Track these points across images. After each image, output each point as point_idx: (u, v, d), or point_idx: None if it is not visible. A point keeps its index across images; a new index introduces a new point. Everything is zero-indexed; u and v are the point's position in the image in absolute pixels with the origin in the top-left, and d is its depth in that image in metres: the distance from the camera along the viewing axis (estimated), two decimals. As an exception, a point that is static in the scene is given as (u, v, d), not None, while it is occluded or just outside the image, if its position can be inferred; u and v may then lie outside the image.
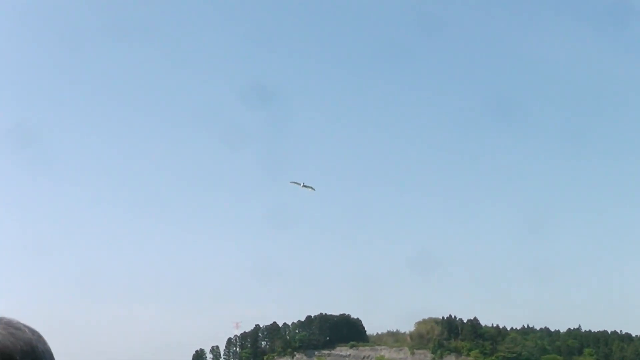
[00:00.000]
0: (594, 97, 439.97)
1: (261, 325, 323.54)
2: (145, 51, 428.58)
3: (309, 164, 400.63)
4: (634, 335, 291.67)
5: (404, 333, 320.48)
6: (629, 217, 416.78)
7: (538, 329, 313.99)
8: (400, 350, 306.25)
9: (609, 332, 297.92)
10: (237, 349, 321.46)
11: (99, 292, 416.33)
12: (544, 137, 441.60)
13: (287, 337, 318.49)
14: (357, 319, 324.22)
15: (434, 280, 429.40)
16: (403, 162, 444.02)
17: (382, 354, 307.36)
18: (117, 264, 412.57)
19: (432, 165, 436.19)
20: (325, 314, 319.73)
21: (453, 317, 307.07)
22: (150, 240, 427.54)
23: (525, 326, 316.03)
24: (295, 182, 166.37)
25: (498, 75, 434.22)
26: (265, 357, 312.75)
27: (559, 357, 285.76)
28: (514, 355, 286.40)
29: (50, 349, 3.65)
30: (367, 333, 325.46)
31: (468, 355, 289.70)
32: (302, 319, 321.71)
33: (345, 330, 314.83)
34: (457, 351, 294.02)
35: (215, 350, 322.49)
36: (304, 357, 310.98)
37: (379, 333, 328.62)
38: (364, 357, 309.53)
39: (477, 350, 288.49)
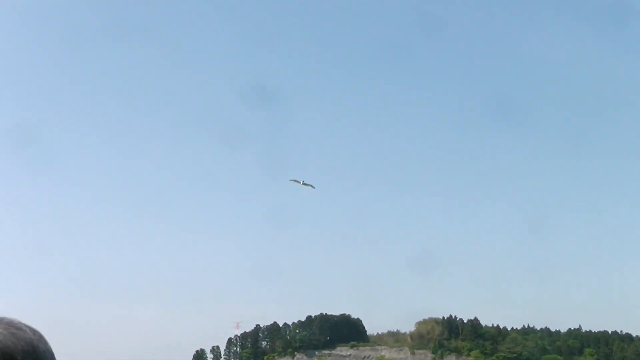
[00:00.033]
0: (594, 97, 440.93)
1: (261, 325, 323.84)
2: (145, 51, 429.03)
3: (309, 164, 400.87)
4: (634, 336, 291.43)
5: (405, 333, 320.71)
6: (629, 217, 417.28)
7: (538, 329, 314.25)
8: (401, 350, 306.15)
9: (610, 332, 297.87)
10: (238, 349, 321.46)
11: (99, 292, 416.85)
12: (544, 137, 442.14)
13: (288, 337, 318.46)
14: (358, 319, 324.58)
15: (435, 280, 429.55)
16: (403, 162, 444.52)
17: (383, 354, 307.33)
18: (117, 264, 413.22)
19: (432, 165, 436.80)
20: (326, 314, 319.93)
21: (453, 317, 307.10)
22: (150, 240, 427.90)
23: (526, 326, 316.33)
24: (295, 180, 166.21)
25: (498, 75, 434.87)
26: (265, 357, 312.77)
27: (559, 357, 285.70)
28: (515, 355, 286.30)
29: (51, 349, 3.66)
30: (368, 333, 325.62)
31: (468, 355, 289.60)
32: (303, 319, 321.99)
33: (346, 330, 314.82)
34: (458, 351, 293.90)
35: (215, 350, 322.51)
36: (305, 357, 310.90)
37: (380, 333, 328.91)
38: (364, 357, 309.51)
39: (477, 351, 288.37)
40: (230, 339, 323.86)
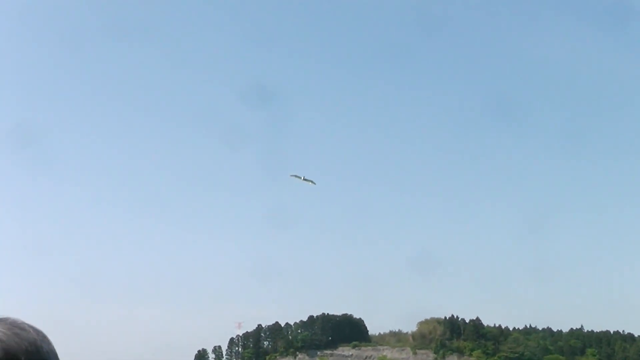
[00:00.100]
0: (594, 97, 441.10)
1: (263, 325, 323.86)
2: (145, 51, 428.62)
3: (309, 164, 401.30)
4: (636, 336, 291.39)
5: (406, 333, 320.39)
6: (629, 217, 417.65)
7: (540, 329, 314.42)
8: (403, 350, 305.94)
9: (612, 332, 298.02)
10: (240, 349, 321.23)
11: (99, 292, 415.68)
12: (544, 137, 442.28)
13: (290, 337, 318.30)
14: (360, 319, 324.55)
15: (436, 280, 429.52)
16: (403, 162, 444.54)
17: (385, 354, 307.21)
18: (117, 264, 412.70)
19: (432, 165, 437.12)
20: (328, 314, 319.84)
21: (455, 317, 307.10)
22: (150, 241, 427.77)
23: (528, 326, 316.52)
24: (296, 176, 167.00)
25: (498, 75, 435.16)
26: (267, 357, 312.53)
27: (561, 357, 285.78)
28: (517, 355, 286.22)
29: (54, 350, 3.65)
30: (370, 333, 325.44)
31: (470, 355, 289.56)
32: (305, 319, 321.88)
33: (348, 330, 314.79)
34: (460, 351, 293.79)
35: (217, 350, 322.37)
36: (306, 357, 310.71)
37: (381, 333, 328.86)
38: (366, 357, 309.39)
39: (479, 350, 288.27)
40: (232, 339, 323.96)
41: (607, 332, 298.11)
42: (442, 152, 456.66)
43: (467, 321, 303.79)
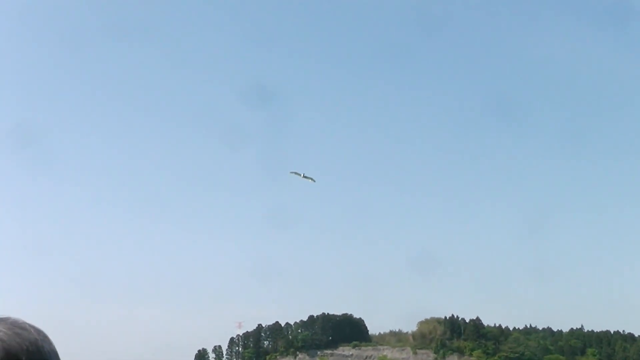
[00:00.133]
0: (594, 97, 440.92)
1: (264, 325, 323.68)
2: (145, 51, 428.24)
3: (309, 164, 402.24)
4: (636, 335, 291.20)
5: (407, 333, 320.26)
6: (629, 217, 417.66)
7: (541, 328, 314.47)
8: (403, 350, 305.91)
9: (612, 332, 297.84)
10: (240, 349, 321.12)
11: (99, 292, 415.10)
12: (544, 137, 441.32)
13: (290, 336, 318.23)
14: (360, 318, 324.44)
15: (436, 280, 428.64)
16: (403, 162, 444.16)
17: (385, 353, 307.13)
18: (117, 264, 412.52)
19: (432, 165, 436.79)
20: (328, 313, 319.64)
21: (455, 317, 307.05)
22: (150, 240, 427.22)
23: (528, 326, 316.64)
24: (296, 173, 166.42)
25: (498, 74, 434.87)
26: (267, 357, 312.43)
27: (561, 357, 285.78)
28: (517, 355, 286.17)
29: (55, 350, 3.64)
30: (370, 333, 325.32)
31: (471, 355, 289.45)
32: (305, 319, 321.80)
33: (348, 330, 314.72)
34: (460, 351, 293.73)
35: (217, 349, 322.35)
36: (307, 357, 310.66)
37: (382, 333, 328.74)
38: (366, 357, 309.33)
39: (479, 350, 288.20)
40: (232, 339, 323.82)
41: (608, 332, 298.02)
42: (442, 152, 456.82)
43: (468, 321, 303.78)
